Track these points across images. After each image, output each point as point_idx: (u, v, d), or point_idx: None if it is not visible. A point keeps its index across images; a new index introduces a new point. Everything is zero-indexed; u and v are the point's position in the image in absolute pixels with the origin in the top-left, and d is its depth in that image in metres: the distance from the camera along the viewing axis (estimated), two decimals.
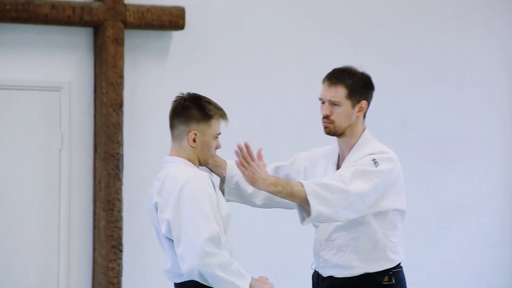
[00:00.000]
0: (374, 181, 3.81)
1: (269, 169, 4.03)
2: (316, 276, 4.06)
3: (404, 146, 6.81)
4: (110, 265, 6.22)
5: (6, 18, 6.04)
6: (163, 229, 3.61)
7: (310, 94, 6.84)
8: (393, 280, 3.95)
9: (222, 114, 3.70)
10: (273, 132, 6.70)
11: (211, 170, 3.98)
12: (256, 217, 6.37)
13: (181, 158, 3.71)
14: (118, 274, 6.23)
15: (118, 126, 6.25)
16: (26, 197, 6.25)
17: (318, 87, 6.86)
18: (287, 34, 6.78)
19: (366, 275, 3.93)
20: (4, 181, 6.23)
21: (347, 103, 3.96)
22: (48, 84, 6.28)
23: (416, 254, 6.67)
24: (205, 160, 3.73)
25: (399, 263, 4.01)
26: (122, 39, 6.25)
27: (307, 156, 4.18)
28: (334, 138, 4.11)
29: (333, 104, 3.97)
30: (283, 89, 6.75)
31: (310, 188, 3.71)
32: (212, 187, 3.61)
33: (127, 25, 6.28)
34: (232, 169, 4.03)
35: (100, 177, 6.25)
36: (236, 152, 3.71)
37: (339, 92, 3.96)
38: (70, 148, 6.31)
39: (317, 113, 6.88)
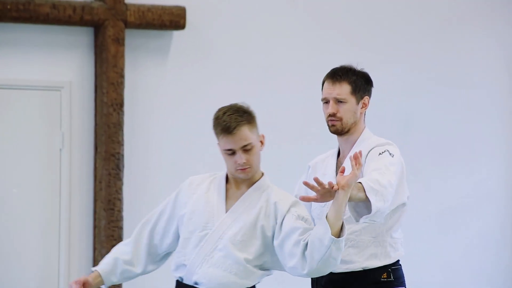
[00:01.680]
0: (396, 173, 3.82)
1: None
2: None
3: (405, 145, 6.78)
4: None
5: (6, 17, 6.04)
6: None
7: (312, 94, 6.85)
8: (392, 277, 3.95)
9: (222, 129, 3.61)
10: (274, 132, 6.68)
11: None
12: None
13: None
14: None
15: (118, 126, 6.25)
16: (26, 197, 6.24)
17: (319, 88, 6.90)
18: (288, 34, 6.78)
19: (364, 272, 3.93)
20: (4, 181, 6.23)
21: (352, 100, 3.99)
22: (48, 83, 6.28)
23: (416, 253, 6.67)
24: (231, 173, 3.69)
25: (398, 260, 4.02)
26: (123, 39, 6.25)
27: (308, 171, 4.22)
28: (334, 140, 4.12)
29: (338, 101, 3.99)
30: (284, 90, 6.75)
31: (368, 185, 3.63)
32: (185, 187, 3.72)
33: (128, 24, 6.28)
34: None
35: (100, 177, 6.25)
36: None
37: (344, 89, 3.99)
38: (71, 147, 6.31)
39: (318, 113, 6.90)
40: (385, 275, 3.95)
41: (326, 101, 4.04)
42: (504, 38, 7.26)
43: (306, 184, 3.47)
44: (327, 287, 4.00)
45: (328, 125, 4.02)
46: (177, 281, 3.73)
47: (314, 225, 3.73)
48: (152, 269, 3.85)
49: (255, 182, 3.71)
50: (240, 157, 3.60)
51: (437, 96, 7.09)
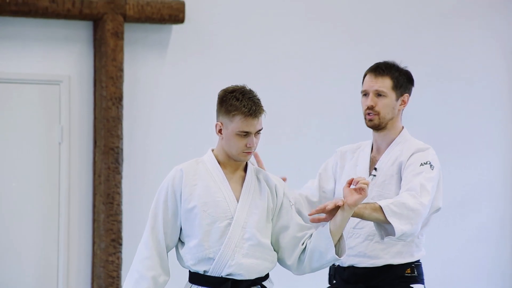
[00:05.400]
0: (433, 188, 3.86)
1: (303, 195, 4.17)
2: (334, 269, 4.09)
3: None
4: (110, 258, 6.23)
5: (6, 11, 6.03)
6: None
7: (311, 90, 6.86)
8: (415, 273, 4.01)
9: (245, 112, 3.62)
10: (272, 127, 6.69)
11: None
12: None
13: (210, 149, 3.76)
14: (118, 267, 6.24)
15: (117, 120, 6.25)
16: (25, 191, 6.25)
17: (318, 83, 6.90)
18: (287, 28, 6.77)
19: (389, 266, 3.97)
20: (3, 175, 6.23)
21: (392, 95, 4.02)
22: (47, 77, 6.28)
23: None
24: (233, 155, 3.68)
25: (419, 259, 4.07)
26: (122, 33, 6.25)
27: (336, 155, 4.23)
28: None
29: (378, 95, 4.01)
30: (283, 84, 6.74)
31: (389, 209, 3.69)
32: (180, 179, 3.67)
33: (127, 18, 6.27)
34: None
35: (99, 171, 6.25)
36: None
37: (386, 83, 4.02)
38: (70, 141, 6.31)
39: (317, 109, 6.91)
40: (409, 270, 4.00)
41: (365, 94, 4.04)
42: (503, 33, 7.26)
43: (314, 212, 3.62)
44: (350, 280, 4.03)
45: (365, 119, 4.04)
46: (197, 274, 3.69)
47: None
48: None
49: (246, 165, 3.78)
50: (252, 141, 3.64)
51: (436, 91, 7.09)
